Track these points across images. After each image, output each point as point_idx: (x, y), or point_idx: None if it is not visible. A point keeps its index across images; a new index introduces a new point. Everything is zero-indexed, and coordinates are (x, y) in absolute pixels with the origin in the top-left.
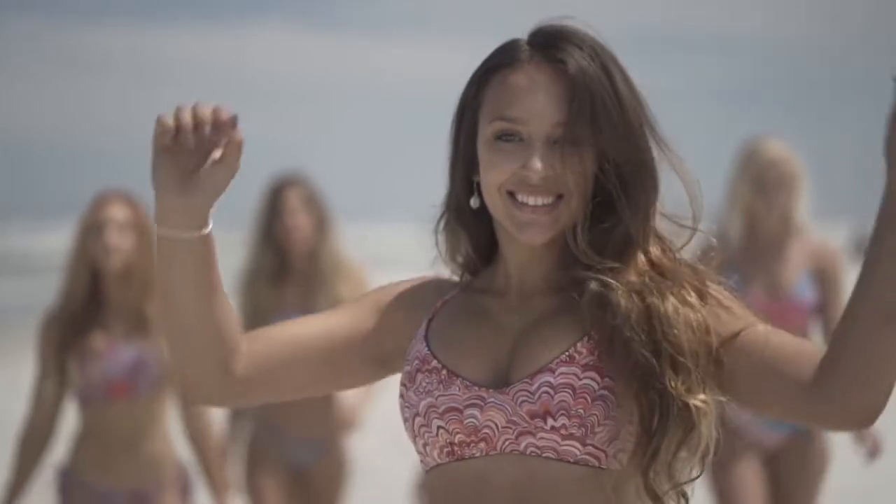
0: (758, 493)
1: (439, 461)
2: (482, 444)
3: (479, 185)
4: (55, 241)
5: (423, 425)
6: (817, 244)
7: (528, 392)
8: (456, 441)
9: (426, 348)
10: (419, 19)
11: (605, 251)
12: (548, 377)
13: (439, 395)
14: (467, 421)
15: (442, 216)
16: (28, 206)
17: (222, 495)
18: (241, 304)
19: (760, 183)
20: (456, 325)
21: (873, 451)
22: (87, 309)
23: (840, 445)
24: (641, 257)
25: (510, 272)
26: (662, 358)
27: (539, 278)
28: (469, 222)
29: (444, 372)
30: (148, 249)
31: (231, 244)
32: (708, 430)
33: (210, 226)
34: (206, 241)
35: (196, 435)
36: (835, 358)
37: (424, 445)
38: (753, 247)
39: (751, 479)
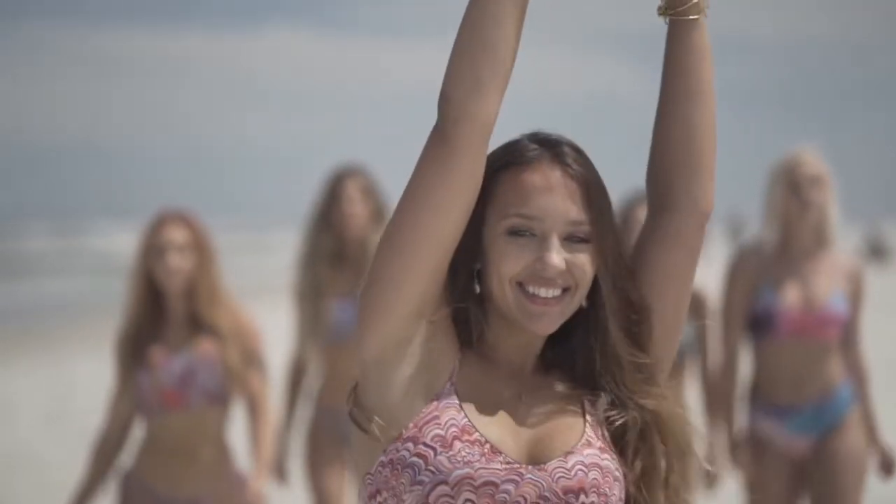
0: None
1: None
2: None
3: (478, 273)
4: (73, 243)
5: (445, 495)
6: (850, 261)
7: (565, 469)
8: None
9: (464, 417)
10: (428, 22)
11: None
12: (579, 457)
13: (480, 468)
14: (500, 496)
15: (455, 299)
16: (45, 207)
17: (261, 471)
18: (300, 283)
19: (794, 185)
20: (485, 398)
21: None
22: (150, 324)
23: None
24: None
25: (499, 356)
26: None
27: (528, 360)
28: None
29: (488, 446)
30: (208, 265)
31: (287, 244)
32: None
33: None
34: None
35: (258, 425)
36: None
37: None
38: (787, 256)
39: (780, 491)
